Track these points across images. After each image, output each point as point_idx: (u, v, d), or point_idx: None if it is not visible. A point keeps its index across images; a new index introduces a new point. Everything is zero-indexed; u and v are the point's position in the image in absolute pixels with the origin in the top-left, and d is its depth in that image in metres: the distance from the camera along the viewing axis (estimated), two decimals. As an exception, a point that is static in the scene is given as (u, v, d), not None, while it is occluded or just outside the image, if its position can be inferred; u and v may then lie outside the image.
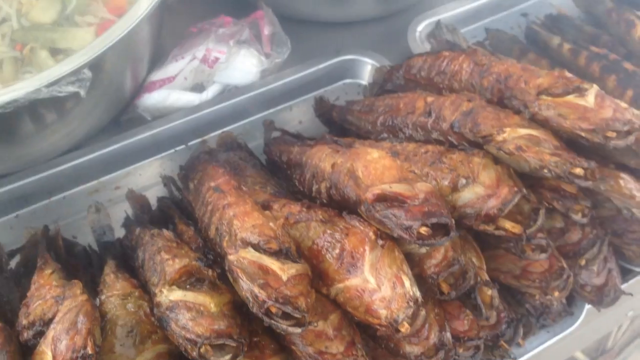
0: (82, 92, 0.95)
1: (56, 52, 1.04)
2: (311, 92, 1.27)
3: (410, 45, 1.28)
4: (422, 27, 1.30)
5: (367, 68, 1.28)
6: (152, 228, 0.93)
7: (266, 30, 1.23)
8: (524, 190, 0.78)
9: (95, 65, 0.96)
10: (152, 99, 1.17)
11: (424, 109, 0.96)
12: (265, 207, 0.88)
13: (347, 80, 1.30)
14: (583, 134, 0.80)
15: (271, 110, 1.25)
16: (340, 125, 1.14)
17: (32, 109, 0.98)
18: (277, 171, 1.06)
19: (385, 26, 1.38)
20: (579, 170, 0.76)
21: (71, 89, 0.94)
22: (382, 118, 1.03)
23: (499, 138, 0.82)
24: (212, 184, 0.91)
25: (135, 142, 1.15)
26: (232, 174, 0.96)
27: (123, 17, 0.99)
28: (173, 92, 1.18)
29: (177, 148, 1.19)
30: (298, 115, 1.25)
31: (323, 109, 1.20)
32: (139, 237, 0.94)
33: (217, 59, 1.16)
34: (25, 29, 1.01)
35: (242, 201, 0.85)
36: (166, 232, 0.89)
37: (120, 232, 1.05)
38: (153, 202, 1.09)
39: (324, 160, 0.91)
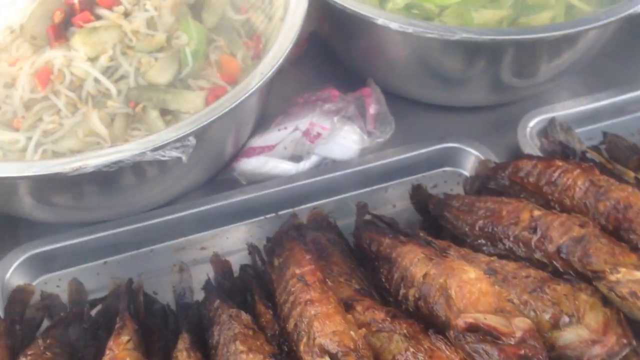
0: (184, 158, 0.96)
1: (165, 113, 1.06)
2: (409, 176, 1.23)
3: (519, 140, 1.22)
4: (534, 122, 1.24)
5: (471, 159, 1.23)
6: (231, 305, 0.92)
7: (372, 110, 1.21)
8: (634, 343, 0.71)
9: (201, 133, 0.97)
10: (250, 165, 1.17)
11: (529, 223, 0.90)
12: (348, 306, 0.85)
13: (448, 168, 1.25)
14: None
15: (366, 189, 1.22)
16: (435, 218, 1.09)
17: (135, 166, 0.99)
18: (365, 259, 1.02)
19: (494, 116, 1.33)
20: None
21: (174, 154, 0.95)
22: (482, 222, 0.98)
23: (612, 278, 0.75)
24: (298, 272, 0.89)
25: (227, 204, 1.15)
26: (318, 261, 0.93)
27: (235, 88, 1.00)
28: (271, 159, 1.18)
29: (268, 215, 1.18)
30: (393, 198, 1.22)
31: (419, 197, 1.16)
32: (217, 312, 0.92)
33: (319, 134, 1.15)
34: (140, 88, 1.04)
35: (325, 299, 0.82)
36: (244, 316, 0.87)
37: (199, 294, 1.05)
38: (236, 268, 1.08)
39: (415, 265, 0.87)
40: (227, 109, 0.97)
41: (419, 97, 1.33)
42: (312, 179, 1.19)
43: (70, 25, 1.03)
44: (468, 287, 0.76)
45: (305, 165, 1.20)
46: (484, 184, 1.12)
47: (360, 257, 1.04)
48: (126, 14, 1.05)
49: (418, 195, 1.17)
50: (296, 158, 1.21)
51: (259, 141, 1.18)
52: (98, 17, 1.04)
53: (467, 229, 1.00)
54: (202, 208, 1.14)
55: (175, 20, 1.09)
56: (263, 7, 1.19)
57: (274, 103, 1.28)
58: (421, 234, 0.98)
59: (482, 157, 1.20)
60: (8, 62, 1.01)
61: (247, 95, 0.99)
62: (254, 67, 1.11)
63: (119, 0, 1.04)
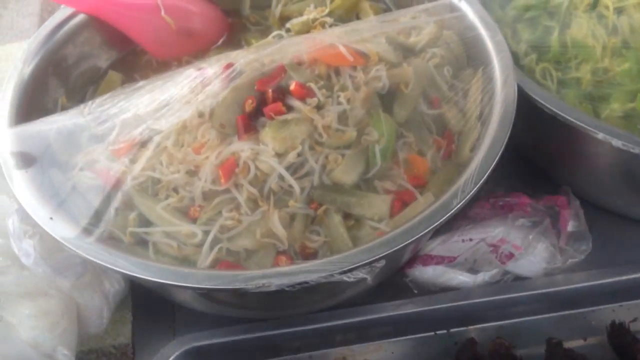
0: (369, 279, 0.87)
1: (347, 216, 0.96)
2: (604, 304, 1.06)
3: None
4: None
5: (683, 294, 1.05)
6: None
7: (569, 226, 1.06)
8: None
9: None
10: (426, 274, 1.06)
11: None
12: None
13: (653, 300, 1.08)
14: None
15: (551, 315, 1.06)
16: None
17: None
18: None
19: None
20: None
21: (360, 275, 0.86)
22: None
23: None
24: None
25: (395, 316, 1.04)
26: None
27: (432, 206, 0.89)
28: (450, 270, 1.06)
29: (438, 332, 1.06)
30: (583, 329, 1.06)
31: (619, 338, 1.00)
32: None
33: (512, 255, 1.02)
34: (324, 188, 0.95)
35: None
36: None
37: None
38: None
39: None
40: (425, 232, 0.86)
41: (622, 212, 1.16)
42: (492, 298, 1.05)
43: (261, 115, 0.95)
44: None
45: (484, 278, 1.07)
46: None
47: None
48: (318, 107, 0.96)
49: (618, 334, 1.01)
50: (474, 270, 1.08)
51: (439, 249, 1.06)
52: (289, 108, 0.95)
53: (694, 405, 0.83)
54: (367, 317, 1.04)
55: (365, 113, 0.99)
56: (456, 99, 1.08)
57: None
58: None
59: (697, 296, 1.03)
60: (193, 148, 0.95)
61: (447, 217, 0.88)
62: (444, 171, 1.01)
63: (313, 92, 0.96)
